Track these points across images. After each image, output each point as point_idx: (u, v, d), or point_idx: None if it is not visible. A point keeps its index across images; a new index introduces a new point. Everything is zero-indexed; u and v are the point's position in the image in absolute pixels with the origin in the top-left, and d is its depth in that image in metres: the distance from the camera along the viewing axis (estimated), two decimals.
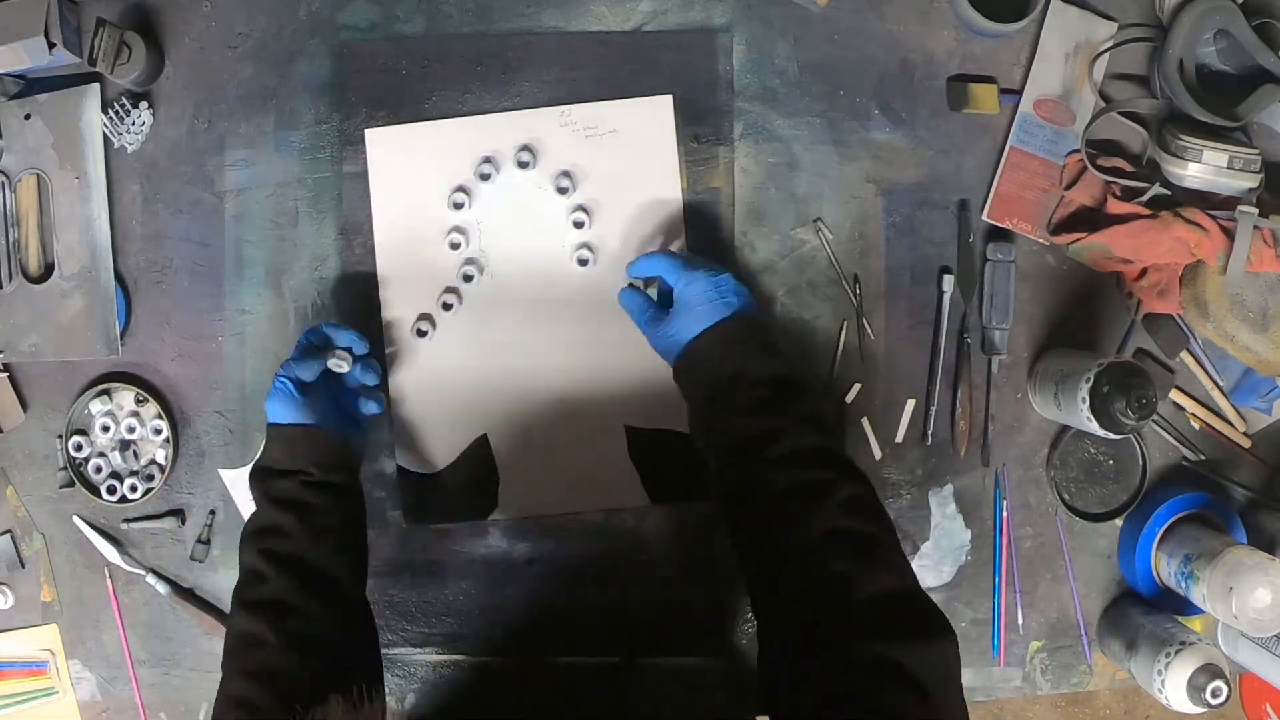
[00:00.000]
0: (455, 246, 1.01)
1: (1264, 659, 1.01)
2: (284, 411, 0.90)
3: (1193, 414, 1.06)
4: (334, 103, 1.02)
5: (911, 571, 0.77)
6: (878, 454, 1.04)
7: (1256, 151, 0.96)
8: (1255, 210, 0.95)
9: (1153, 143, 1.00)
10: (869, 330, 1.04)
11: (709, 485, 0.91)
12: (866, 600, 0.72)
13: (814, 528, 0.76)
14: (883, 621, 0.71)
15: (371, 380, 0.96)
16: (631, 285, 1.00)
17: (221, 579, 1.03)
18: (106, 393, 1.02)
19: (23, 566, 1.04)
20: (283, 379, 0.90)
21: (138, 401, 1.02)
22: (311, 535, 0.87)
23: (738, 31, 1.02)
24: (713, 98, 1.02)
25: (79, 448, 1.01)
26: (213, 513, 1.03)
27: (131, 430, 1.02)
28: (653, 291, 1.00)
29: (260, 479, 0.90)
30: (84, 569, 1.04)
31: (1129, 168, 1.02)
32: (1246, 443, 1.06)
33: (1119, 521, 1.06)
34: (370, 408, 0.97)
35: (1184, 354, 1.06)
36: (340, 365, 0.93)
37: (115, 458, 1.02)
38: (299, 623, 0.83)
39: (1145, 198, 1.00)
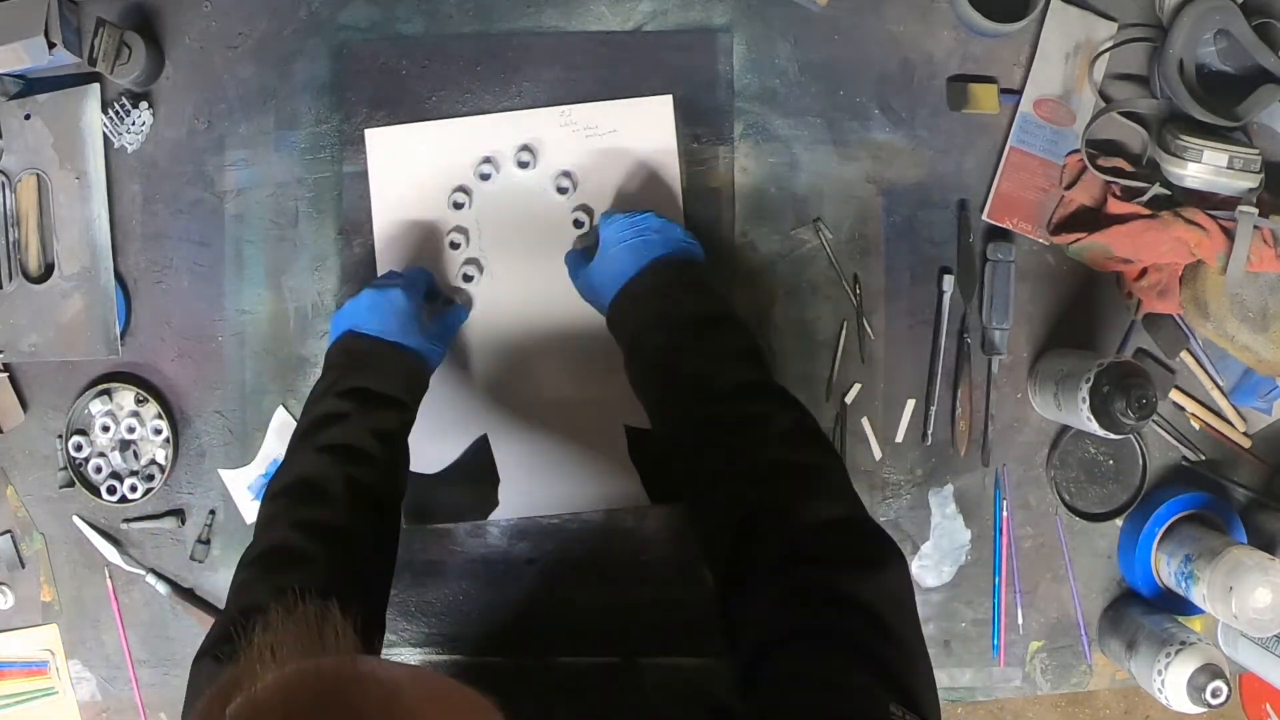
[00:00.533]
0: (455, 246, 1.01)
1: (1264, 659, 1.01)
2: (392, 322, 0.87)
3: (1193, 414, 1.06)
4: (334, 103, 1.02)
5: (855, 497, 0.74)
6: (878, 454, 1.04)
7: (1256, 151, 0.96)
8: (1255, 210, 0.95)
9: (1153, 143, 1.00)
10: (869, 330, 1.04)
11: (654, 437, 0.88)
12: (810, 530, 0.70)
13: (754, 461, 0.74)
14: (828, 552, 0.69)
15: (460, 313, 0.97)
16: (573, 249, 0.98)
17: (221, 579, 1.03)
18: (106, 393, 1.02)
19: (23, 566, 1.04)
20: (405, 281, 0.89)
21: (138, 401, 1.02)
22: (393, 472, 0.86)
23: (738, 31, 1.02)
24: (713, 98, 1.02)
25: (79, 448, 1.01)
26: (213, 513, 1.03)
27: (131, 430, 1.02)
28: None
29: (359, 400, 0.84)
30: (84, 569, 1.04)
31: (1129, 168, 1.02)
32: (1246, 443, 1.06)
33: (1119, 521, 1.06)
34: (438, 353, 0.93)
35: (1184, 354, 1.06)
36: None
37: (115, 458, 1.02)
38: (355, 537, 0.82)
39: (1145, 198, 1.00)
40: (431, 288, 0.98)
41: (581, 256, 0.94)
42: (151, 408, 1.02)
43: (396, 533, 0.89)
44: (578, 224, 1.01)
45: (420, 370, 0.90)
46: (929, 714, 0.62)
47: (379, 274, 1.01)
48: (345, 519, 0.81)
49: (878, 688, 0.60)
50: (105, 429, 1.01)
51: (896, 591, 0.68)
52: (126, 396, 1.02)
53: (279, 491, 0.83)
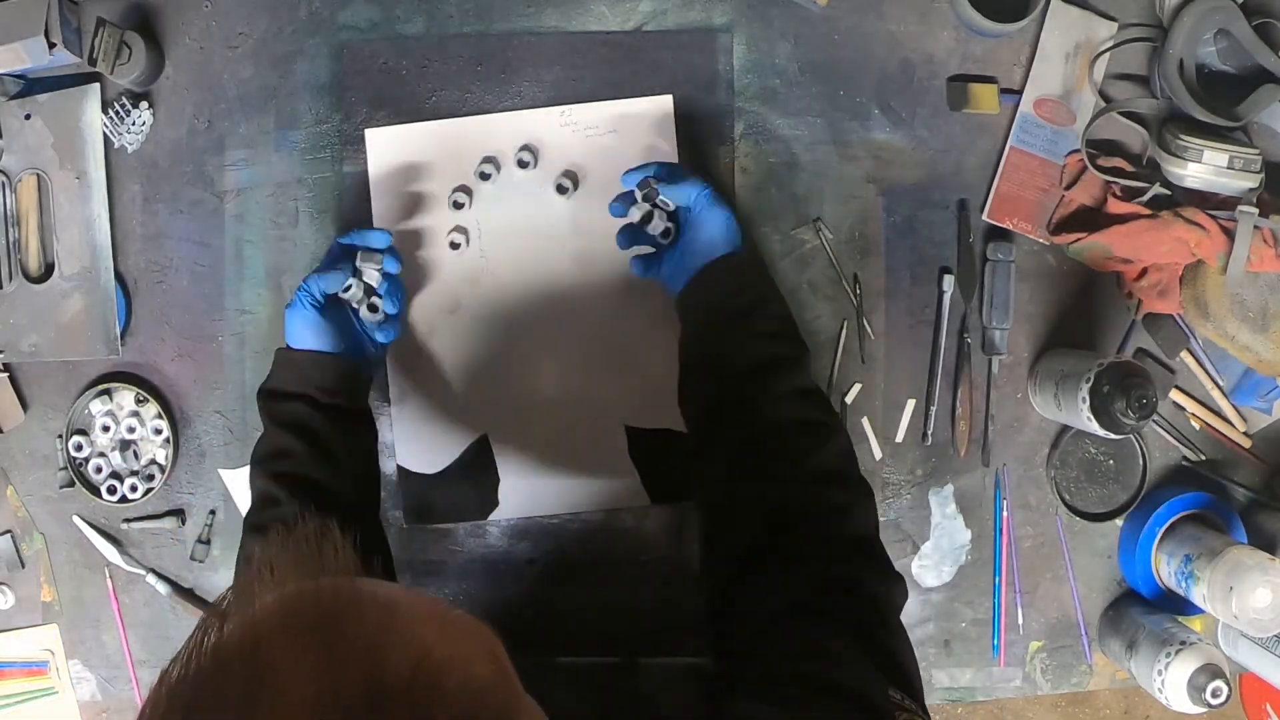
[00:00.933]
0: (455, 246, 1.01)
1: (1264, 659, 1.01)
2: (299, 332, 0.89)
3: (1193, 414, 1.06)
4: (334, 103, 1.02)
5: (870, 518, 0.81)
6: (878, 454, 1.04)
7: (1256, 151, 0.96)
8: (1255, 210, 0.95)
9: (1153, 143, 1.00)
10: (869, 330, 1.04)
11: (685, 402, 0.91)
12: (849, 536, 0.77)
13: (814, 463, 0.80)
14: (852, 557, 0.76)
15: (391, 306, 0.95)
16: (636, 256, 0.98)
17: (221, 579, 1.03)
18: (106, 393, 1.02)
19: (23, 566, 1.04)
20: (304, 292, 0.89)
21: (138, 401, 1.02)
22: (319, 458, 0.87)
23: (738, 31, 1.02)
24: (713, 98, 1.02)
25: (79, 448, 1.01)
26: (213, 513, 1.03)
27: (131, 430, 1.02)
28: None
29: (265, 400, 0.89)
30: (84, 569, 1.04)
31: (1129, 168, 1.02)
32: (1246, 443, 1.06)
33: (1119, 521, 1.06)
34: (385, 335, 0.95)
35: (1184, 354, 1.06)
36: (369, 272, 0.92)
37: (115, 458, 1.02)
38: None
39: (1145, 198, 1.00)
40: (363, 250, 0.94)
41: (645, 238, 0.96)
42: (151, 408, 1.02)
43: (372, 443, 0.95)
44: (578, 224, 1.01)
45: (319, 363, 0.90)
46: (919, 695, 0.67)
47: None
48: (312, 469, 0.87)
49: (879, 670, 0.65)
50: (105, 429, 1.01)
51: (900, 607, 0.75)
52: (126, 396, 1.02)
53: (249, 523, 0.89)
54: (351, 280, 0.92)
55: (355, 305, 0.94)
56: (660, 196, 0.92)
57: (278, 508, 0.85)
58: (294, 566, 0.45)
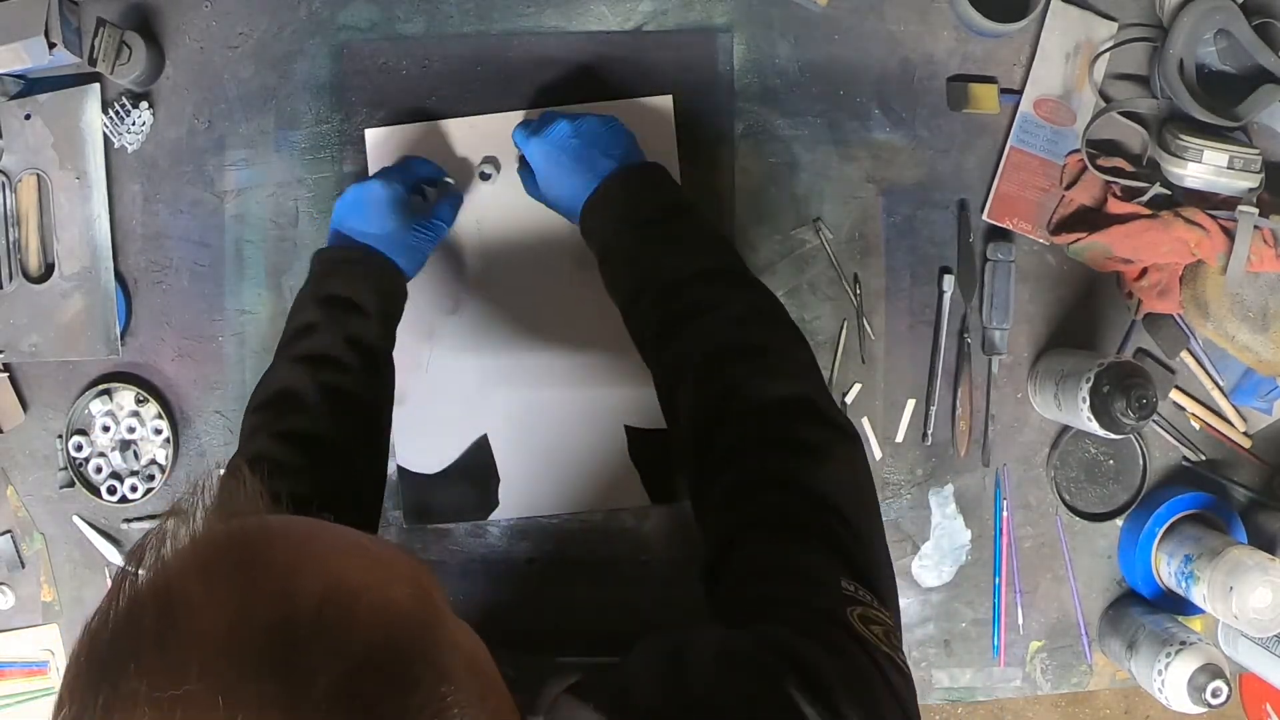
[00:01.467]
0: (455, 247, 1.01)
1: (1264, 659, 1.01)
2: (382, 224, 0.87)
3: (1193, 414, 1.06)
4: (334, 103, 1.02)
5: (810, 375, 0.74)
6: (878, 454, 1.04)
7: (1256, 151, 0.96)
8: (1255, 210, 0.95)
9: (1153, 143, 1.00)
10: (869, 330, 1.04)
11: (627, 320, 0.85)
12: (759, 412, 0.70)
13: (708, 348, 0.74)
14: (780, 435, 0.69)
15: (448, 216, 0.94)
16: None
17: None
18: (107, 393, 1.02)
19: (23, 566, 1.04)
20: (390, 175, 0.89)
21: (138, 401, 1.02)
22: (369, 378, 0.85)
23: (738, 31, 1.02)
24: (713, 98, 1.02)
25: (79, 448, 1.01)
26: None
27: (132, 430, 1.02)
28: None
29: (331, 307, 0.84)
30: (84, 569, 1.04)
31: (1129, 168, 1.02)
32: (1246, 443, 1.06)
33: (1119, 521, 1.06)
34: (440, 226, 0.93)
35: (1184, 354, 1.06)
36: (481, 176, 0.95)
37: (115, 458, 1.02)
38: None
39: (1145, 198, 1.00)
40: (425, 177, 0.96)
41: (528, 174, 0.93)
42: (151, 408, 1.02)
43: (384, 444, 0.89)
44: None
45: (392, 278, 0.89)
46: (883, 591, 0.62)
47: None
48: (326, 427, 0.81)
49: (830, 566, 0.61)
50: (105, 429, 1.01)
51: (848, 475, 0.68)
52: (126, 396, 1.02)
53: (260, 405, 0.83)
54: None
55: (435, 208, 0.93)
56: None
57: (303, 414, 0.81)
58: (210, 513, 0.46)
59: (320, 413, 0.81)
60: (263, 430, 0.81)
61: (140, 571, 0.43)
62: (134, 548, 0.44)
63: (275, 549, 0.44)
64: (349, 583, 0.43)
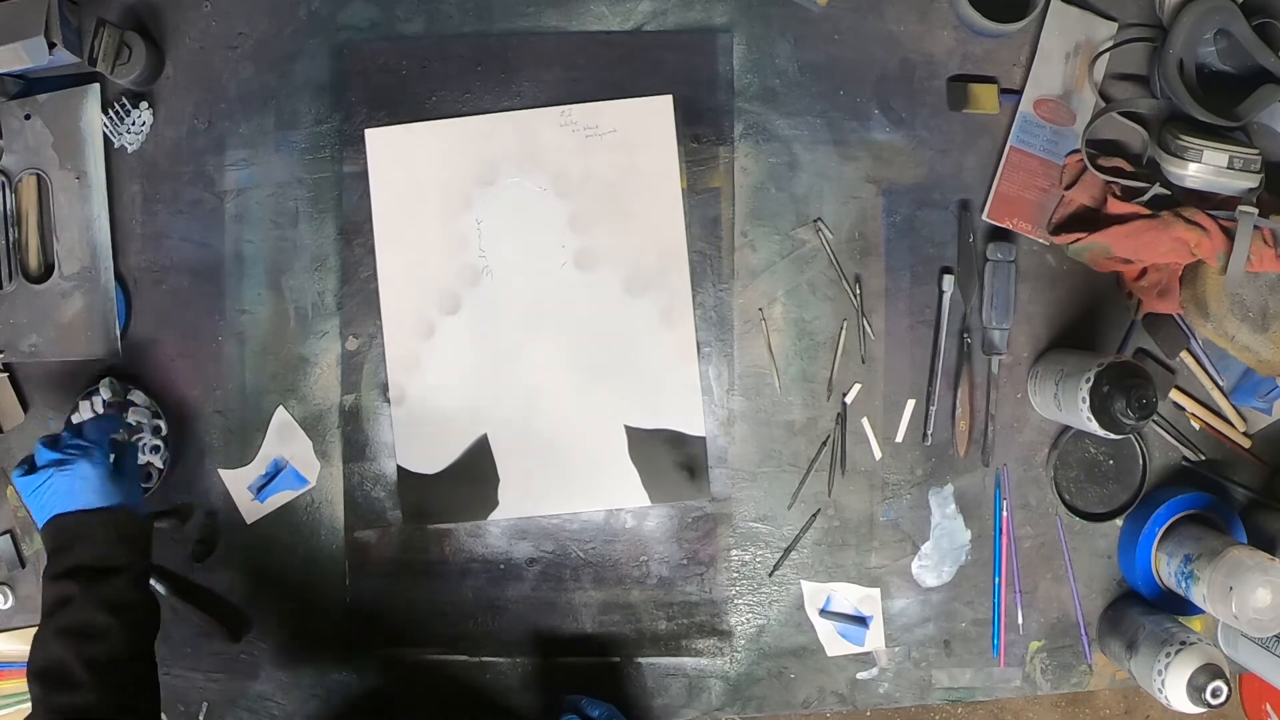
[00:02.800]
0: (456, 246, 1.01)
1: (1264, 659, 1.01)
2: (97, 490, 0.84)
3: (1193, 414, 1.06)
4: (334, 103, 1.02)
5: None
6: (878, 454, 1.04)
7: (1256, 151, 0.96)
8: (1255, 210, 0.95)
9: (1153, 143, 1.00)
10: (869, 330, 1.04)
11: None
12: None
13: None
14: None
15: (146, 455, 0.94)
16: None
17: (221, 579, 1.03)
18: (106, 392, 1.01)
19: (23, 566, 1.04)
20: (87, 449, 0.86)
21: (137, 401, 1.02)
22: (131, 633, 0.84)
23: (738, 31, 1.02)
24: (713, 98, 1.02)
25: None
26: (212, 513, 1.03)
27: (130, 430, 1.02)
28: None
29: (81, 579, 0.82)
30: None
31: (1129, 168, 1.02)
32: (1246, 443, 1.06)
33: (1119, 521, 1.06)
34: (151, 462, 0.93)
35: (1184, 354, 1.06)
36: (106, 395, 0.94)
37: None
38: None
39: (1145, 198, 1.00)
40: (112, 429, 0.93)
41: None
42: (150, 407, 1.01)
43: (153, 678, 0.88)
44: (578, 224, 1.00)
45: (131, 521, 0.87)
46: None
47: (379, 274, 1.01)
48: (95, 698, 0.81)
49: None
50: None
51: None
52: (126, 396, 1.02)
53: (34, 674, 0.83)
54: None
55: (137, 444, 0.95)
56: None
57: (73, 692, 0.80)
58: None
59: (88, 687, 0.81)
60: (40, 705, 0.81)
61: None
62: None
63: None
64: None
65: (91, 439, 0.88)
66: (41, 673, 0.82)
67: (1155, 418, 1.04)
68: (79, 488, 0.85)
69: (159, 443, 1.01)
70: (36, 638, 0.84)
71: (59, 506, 0.85)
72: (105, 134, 1.00)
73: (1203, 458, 1.07)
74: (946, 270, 1.04)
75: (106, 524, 0.85)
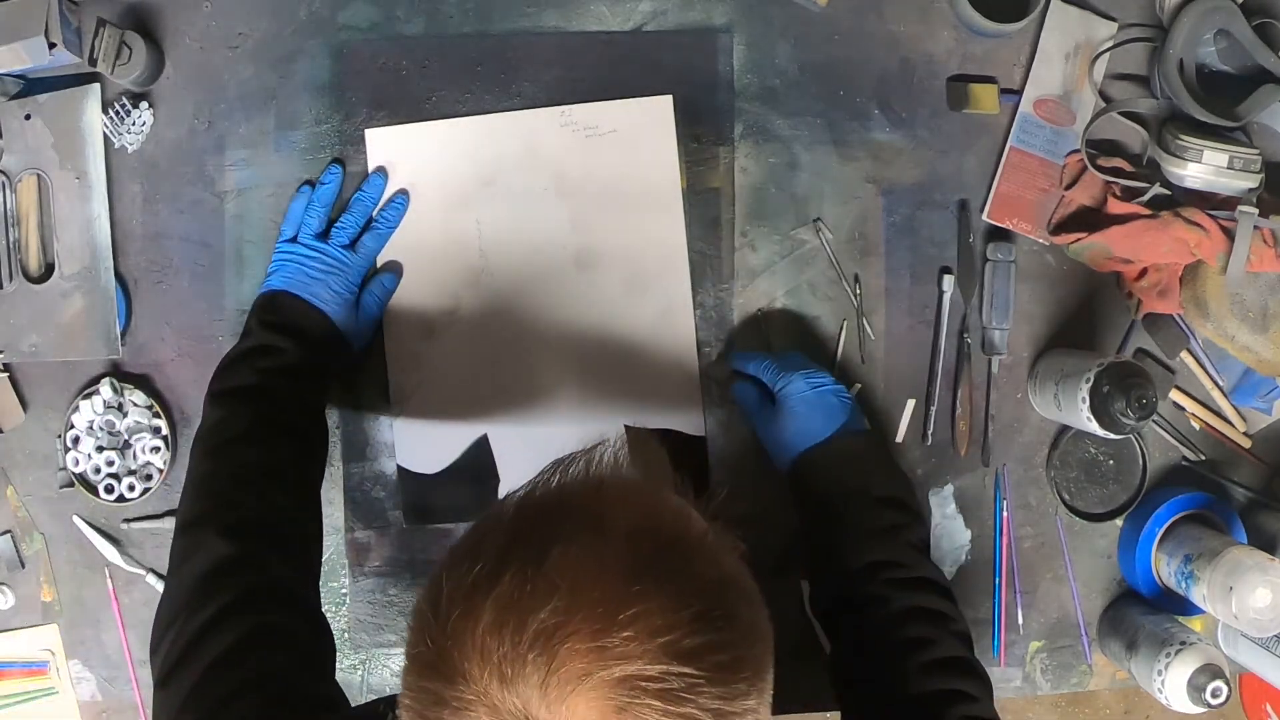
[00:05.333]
0: (456, 246, 1.01)
1: (1264, 659, 1.01)
2: (342, 312, 0.96)
3: (1193, 414, 1.06)
4: (334, 103, 1.02)
5: (995, 714, 0.81)
6: None
7: (1256, 151, 0.96)
8: (1255, 210, 0.95)
9: (1153, 143, 1.00)
10: (869, 330, 1.04)
11: (811, 586, 0.98)
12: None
13: (911, 670, 0.81)
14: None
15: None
16: (740, 377, 1.00)
17: None
18: (106, 392, 1.01)
19: (23, 566, 1.04)
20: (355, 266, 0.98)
21: (137, 401, 1.02)
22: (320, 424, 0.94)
23: (738, 31, 1.02)
24: (713, 98, 1.02)
25: (77, 441, 1.01)
26: None
27: (131, 430, 1.02)
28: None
29: (304, 347, 0.92)
30: (84, 569, 1.04)
31: (1129, 168, 1.02)
32: (1246, 443, 1.06)
33: (1119, 521, 1.06)
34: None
35: (1184, 354, 1.06)
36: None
37: (114, 457, 1.01)
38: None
39: (1145, 198, 1.00)
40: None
41: (759, 398, 0.98)
42: (151, 407, 1.01)
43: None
44: (578, 225, 1.00)
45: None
46: None
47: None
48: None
49: None
50: (104, 429, 1.01)
51: None
52: (126, 396, 1.02)
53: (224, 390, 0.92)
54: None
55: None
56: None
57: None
58: (618, 457, 0.63)
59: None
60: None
61: (569, 473, 0.60)
62: (562, 458, 0.62)
63: (672, 495, 0.62)
64: (718, 531, 0.61)
65: (366, 252, 0.99)
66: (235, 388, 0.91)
67: (1155, 418, 1.04)
68: (330, 298, 0.96)
69: (159, 443, 1.01)
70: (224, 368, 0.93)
71: (305, 294, 0.95)
72: (105, 134, 1.00)
73: (1203, 458, 1.07)
74: (946, 270, 1.04)
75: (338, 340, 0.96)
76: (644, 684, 0.49)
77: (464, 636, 0.52)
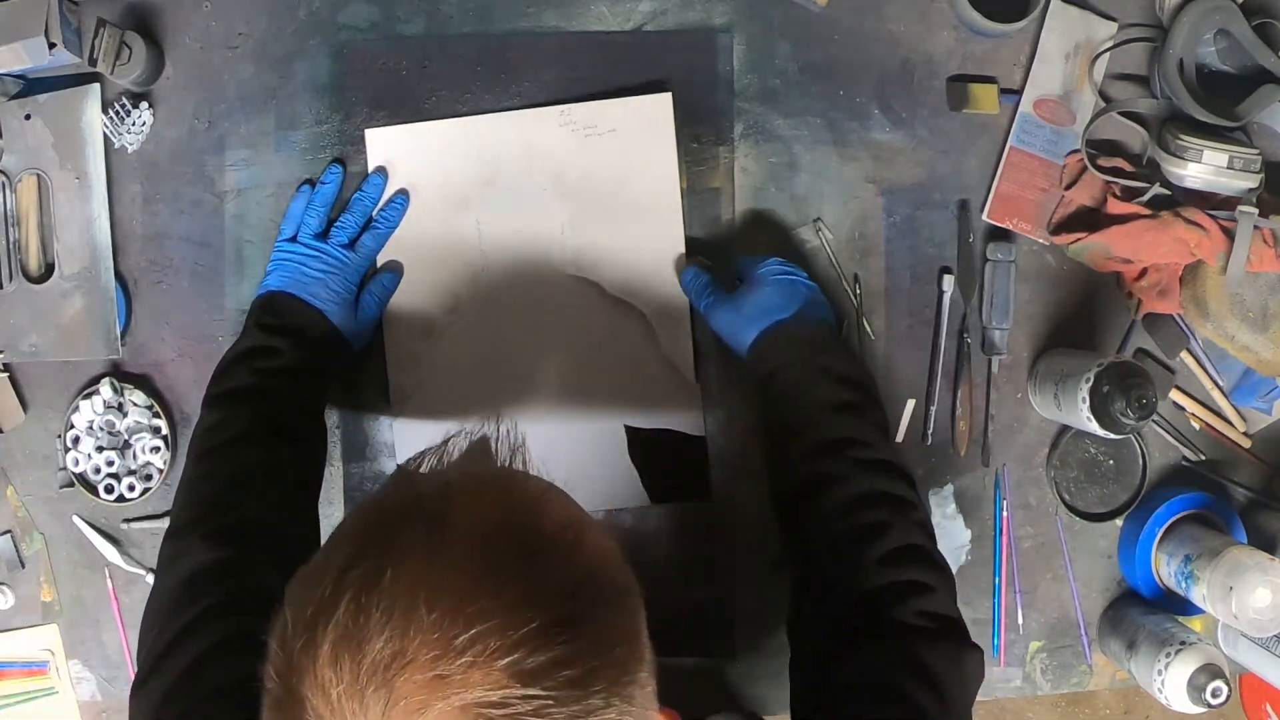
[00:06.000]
0: (455, 246, 1.01)
1: (1264, 659, 1.01)
2: (342, 312, 0.96)
3: (1193, 414, 1.06)
4: (334, 103, 1.02)
5: (955, 607, 0.80)
6: None
7: (1256, 151, 0.96)
8: (1255, 210, 0.95)
9: (1153, 143, 1.00)
10: (869, 330, 1.04)
11: (767, 473, 0.94)
12: (903, 619, 0.76)
13: (868, 561, 0.79)
14: (917, 631, 0.75)
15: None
16: (695, 264, 1.00)
17: None
18: (106, 392, 1.01)
19: (23, 566, 1.04)
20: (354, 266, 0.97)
21: (137, 401, 1.02)
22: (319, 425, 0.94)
23: (738, 31, 1.02)
24: (713, 98, 1.02)
25: (77, 441, 1.01)
26: None
27: (130, 430, 1.02)
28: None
29: (301, 349, 0.92)
30: (84, 569, 1.04)
31: (1129, 168, 1.02)
32: (1246, 443, 1.06)
33: (1119, 521, 1.06)
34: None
35: (1184, 354, 1.06)
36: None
37: (114, 457, 1.01)
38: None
39: (1145, 198, 1.00)
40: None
41: (708, 283, 0.97)
42: (150, 407, 1.01)
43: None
44: (577, 224, 1.00)
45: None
46: None
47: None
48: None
49: None
50: (104, 429, 1.01)
51: (967, 675, 0.75)
52: (125, 396, 1.02)
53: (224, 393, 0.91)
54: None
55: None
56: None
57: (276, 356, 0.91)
58: (470, 448, 0.60)
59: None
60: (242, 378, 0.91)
61: (421, 469, 0.58)
62: (415, 456, 0.58)
63: (529, 481, 0.58)
64: (581, 520, 0.58)
65: (366, 252, 0.99)
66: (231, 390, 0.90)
67: (1155, 418, 1.04)
68: (329, 297, 0.95)
69: (159, 443, 1.01)
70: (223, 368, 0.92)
71: (303, 294, 0.95)
72: (105, 134, 1.00)
73: (1203, 458, 1.07)
74: (946, 270, 1.04)
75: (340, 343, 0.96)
76: (487, 711, 0.46)
77: (306, 671, 0.49)
